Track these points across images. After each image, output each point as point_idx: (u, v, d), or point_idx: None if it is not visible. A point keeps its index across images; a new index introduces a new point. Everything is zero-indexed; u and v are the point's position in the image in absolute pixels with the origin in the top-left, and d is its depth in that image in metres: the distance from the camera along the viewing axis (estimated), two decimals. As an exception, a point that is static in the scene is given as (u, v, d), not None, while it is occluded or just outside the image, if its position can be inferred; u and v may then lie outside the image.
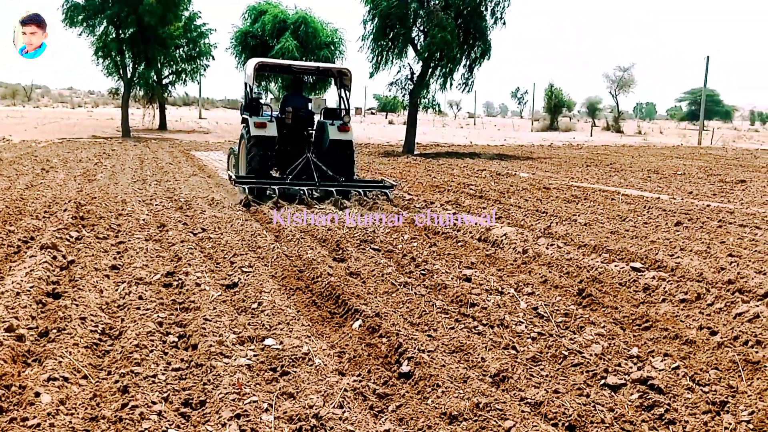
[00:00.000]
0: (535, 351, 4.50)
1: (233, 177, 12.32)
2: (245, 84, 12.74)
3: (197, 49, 39.33)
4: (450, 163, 22.06)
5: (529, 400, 3.78)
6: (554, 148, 34.43)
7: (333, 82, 15.83)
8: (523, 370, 4.15)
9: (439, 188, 14.14)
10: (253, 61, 12.64)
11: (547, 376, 4.13)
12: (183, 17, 36.56)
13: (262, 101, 12.89)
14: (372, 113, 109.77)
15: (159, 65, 37.54)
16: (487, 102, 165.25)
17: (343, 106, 12.84)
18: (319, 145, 12.44)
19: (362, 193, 11.77)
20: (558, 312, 5.34)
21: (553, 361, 4.39)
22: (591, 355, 4.41)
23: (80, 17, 31.78)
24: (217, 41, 54.38)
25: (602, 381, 4.06)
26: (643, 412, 3.74)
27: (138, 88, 36.18)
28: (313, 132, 12.62)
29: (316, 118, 12.86)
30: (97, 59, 33.70)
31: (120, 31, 32.70)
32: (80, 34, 32.39)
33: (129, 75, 34.25)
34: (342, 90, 12.95)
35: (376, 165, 20.44)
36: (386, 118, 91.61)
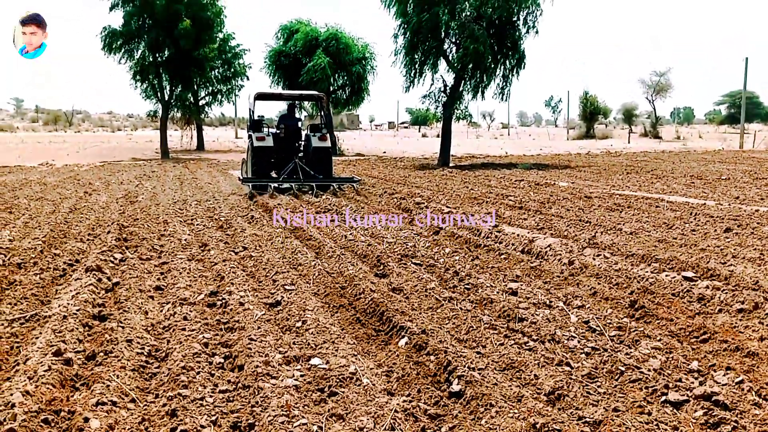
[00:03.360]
0: (590, 367, 4.35)
1: (240, 178, 16.72)
2: (249, 109, 16.90)
3: (232, 70, 39.91)
4: (486, 174, 21.87)
5: (587, 419, 3.63)
6: (592, 156, 33.95)
7: (316, 105, 20.27)
8: (579, 388, 4.00)
9: (477, 200, 13.98)
10: (252, 93, 17.08)
11: (604, 393, 3.98)
12: (217, 39, 37.16)
13: (263, 122, 17.02)
14: (405, 127, 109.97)
15: (195, 87, 38.17)
16: (521, 111, 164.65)
17: (321, 123, 17.06)
18: (307, 152, 16.56)
19: (336, 186, 15.62)
20: (611, 325, 5.17)
21: (610, 377, 4.23)
22: (649, 370, 4.24)
23: (118, 43, 32.53)
24: (251, 61, 55.05)
25: (663, 397, 3.89)
26: (709, 430, 3.56)
27: (176, 109, 36.83)
28: (302, 143, 16.82)
29: (304, 132, 17.15)
30: (135, 83, 34.44)
31: (157, 55, 33.36)
32: (120, 61, 33.15)
33: (167, 97, 34.89)
34: (321, 111, 17.54)
35: (411, 179, 20.34)
36: (419, 131, 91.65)
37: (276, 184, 15.14)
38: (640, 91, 69.28)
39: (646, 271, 7.01)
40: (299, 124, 17.46)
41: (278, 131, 16.73)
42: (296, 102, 18.32)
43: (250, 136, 16.46)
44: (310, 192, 14.96)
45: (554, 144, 52.85)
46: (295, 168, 15.95)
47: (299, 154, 16.48)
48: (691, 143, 49.79)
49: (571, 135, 68.13)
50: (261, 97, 17.56)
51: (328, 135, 16.43)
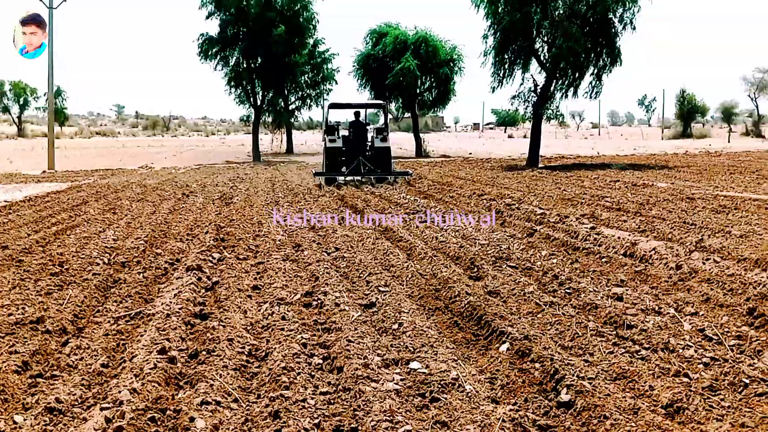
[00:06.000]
0: (710, 378, 4.04)
1: (314, 171, 20.36)
2: (324, 117, 21.71)
3: (321, 74, 40.52)
4: (578, 174, 21.23)
5: (712, 436, 3.36)
6: (690, 155, 32.45)
7: (382, 111, 24.18)
8: (699, 401, 3.72)
9: (571, 201, 13.55)
10: (327, 104, 23.06)
11: (729, 407, 3.68)
12: (308, 44, 37.81)
13: (336, 126, 20.47)
14: (490, 128, 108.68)
15: (286, 92, 38.97)
16: (612, 111, 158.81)
17: (384, 125, 20.80)
18: (371, 150, 19.61)
19: (392, 178, 18.98)
20: (729, 334, 4.81)
21: (733, 389, 3.91)
22: (777, 383, 3.89)
23: (214, 50, 33.64)
24: (340, 65, 55.94)
25: (796, 414, 3.55)
26: None
27: (267, 114, 37.71)
28: (369, 143, 19.78)
29: (370, 135, 20.06)
30: (230, 89, 35.47)
31: (250, 61, 34.27)
32: (215, 68, 34.30)
33: (259, 102, 35.77)
34: (384, 116, 22.48)
35: (500, 179, 20.00)
36: (505, 132, 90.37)
37: (342, 178, 18.68)
38: (742, 89, 65.67)
39: (762, 277, 6.52)
40: (367, 127, 20.44)
41: (348, 134, 20.10)
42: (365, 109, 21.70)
43: (324, 139, 20.17)
44: (368, 183, 18.21)
45: (648, 143, 50.91)
46: (358, 164, 18.87)
47: (365, 153, 19.41)
48: (799, 142, 46.79)
49: (666, 134, 65.50)
50: (334, 106, 21.73)
51: (388, 136, 20.01)
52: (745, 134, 61.06)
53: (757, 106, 65.69)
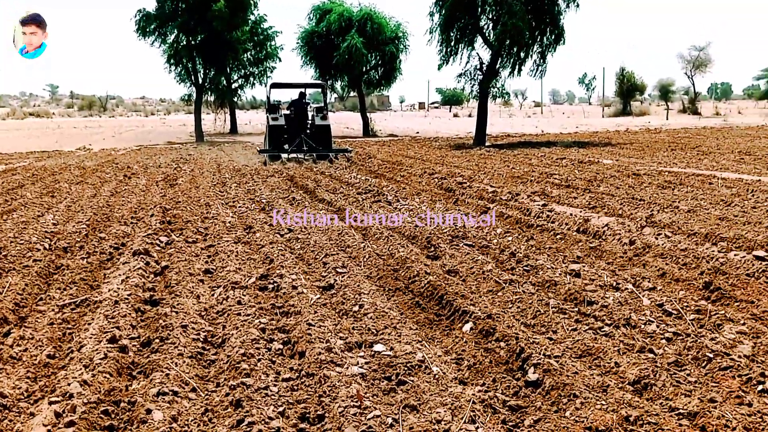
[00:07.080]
0: (674, 354, 4.05)
1: (258, 149, 21.37)
2: (266, 96, 21.68)
3: (264, 52, 39.73)
4: (526, 152, 21.41)
5: (681, 411, 3.35)
6: (631, 133, 33.14)
7: (321, 91, 24.08)
8: (666, 376, 3.72)
9: (521, 179, 13.62)
10: (269, 82, 22.82)
11: (696, 382, 3.69)
12: (250, 21, 36.96)
13: (278, 105, 21.34)
14: (436, 107, 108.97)
15: (228, 70, 38.06)
16: (553, 90, 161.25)
17: (324, 105, 21.61)
18: (312, 129, 20.43)
19: (333, 155, 19.17)
20: (688, 309, 4.85)
21: (697, 364, 3.93)
22: (740, 356, 3.93)
23: (152, 27, 32.55)
24: (283, 43, 55.01)
25: (760, 386, 3.58)
26: (816, 423, 3.25)
27: (209, 93, 36.78)
28: (309, 122, 20.58)
29: (311, 114, 20.85)
30: (169, 67, 34.41)
31: (190, 38, 33.30)
32: (152, 44, 33.21)
33: (200, 81, 34.85)
34: (323, 95, 22.94)
35: (449, 158, 19.99)
36: (450, 111, 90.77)
37: (285, 155, 19.04)
38: (678, 66, 67.19)
39: (713, 251, 6.65)
40: (307, 107, 21.19)
41: (289, 113, 20.77)
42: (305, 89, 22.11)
43: (267, 118, 20.93)
44: (310, 160, 18.74)
45: (590, 122, 51.85)
46: (300, 142, 19.59)
47: (306, 131, 20.24)
48: (732, 119, 48.41)
49: (607, 112, 66.80)
50: (276, 85, 22.23)
51: (328, 115, 20.91)
52: (682, 111, 62.66)
53: (693, 84, 67.50)
